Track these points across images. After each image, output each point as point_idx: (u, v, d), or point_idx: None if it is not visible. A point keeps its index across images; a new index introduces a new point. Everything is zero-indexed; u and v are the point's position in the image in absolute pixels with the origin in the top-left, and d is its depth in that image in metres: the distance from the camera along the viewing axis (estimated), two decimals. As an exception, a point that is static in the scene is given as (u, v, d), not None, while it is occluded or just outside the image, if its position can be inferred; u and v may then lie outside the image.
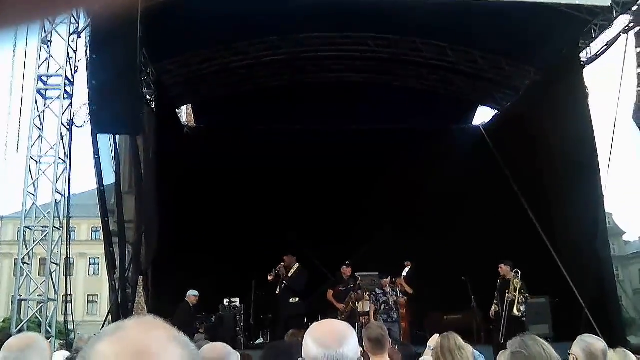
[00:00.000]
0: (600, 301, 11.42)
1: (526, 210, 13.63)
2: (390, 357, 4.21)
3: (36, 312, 11.48)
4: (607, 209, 14.76)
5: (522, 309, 10.97)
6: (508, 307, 10.82)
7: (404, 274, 12.67)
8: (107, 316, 12.87)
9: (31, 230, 11.76)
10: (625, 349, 4.90)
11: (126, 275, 11.67)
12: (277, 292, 12.48)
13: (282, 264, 12.47)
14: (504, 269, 11.26)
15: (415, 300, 12.80)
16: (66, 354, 5.45)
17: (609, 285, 11.69)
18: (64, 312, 12.69)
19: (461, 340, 4.69)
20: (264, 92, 15.83)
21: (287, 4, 11.42)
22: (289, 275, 12.46)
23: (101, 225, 11.52)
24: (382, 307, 12.10)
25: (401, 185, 15.89)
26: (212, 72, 14.97)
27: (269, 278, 12.46)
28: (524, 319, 10.99)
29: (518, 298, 10.92)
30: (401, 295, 12.41)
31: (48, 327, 11.16)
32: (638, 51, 10.58)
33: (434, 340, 5.05)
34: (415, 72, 15.78)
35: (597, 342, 3.80)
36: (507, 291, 10.96)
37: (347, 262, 12.75)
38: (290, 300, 12.48)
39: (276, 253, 12.90)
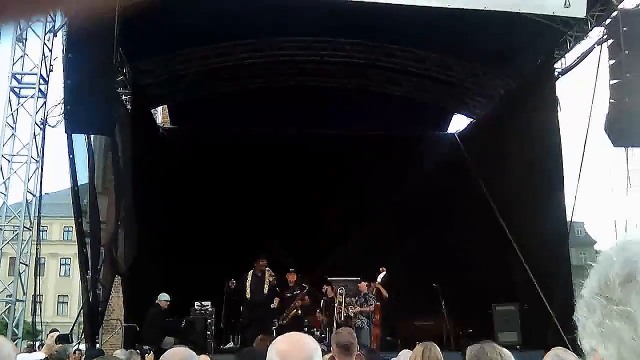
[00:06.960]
0: (568, 309, 11.52)
1: (497, 218, 13.73)
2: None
3: (3, 312, 11.34)
4: (579, 218, 14.95)
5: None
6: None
7: (379, 279, 12.71)
8: (77, 317, 12.72)
9: (1, 229, 11.62)
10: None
11: (98, 276, 11.55)
12: (263, 293, 12.42)
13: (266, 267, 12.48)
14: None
15: (387, 307, 12.84)
16: (40, 355, 5.35)
17: (569, 293, 11.83)
18: (32, 312, 12.53)
19: (439, 353, 4.68)
20: (240, 94, 15.75)
21: (266, 8, 11.43)
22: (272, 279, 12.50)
23: (74, 226, 11.41)
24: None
25: (375, 190, 15.96)
26: (189, 74, 14.87)
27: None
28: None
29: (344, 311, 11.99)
30: (375, 301, 12.42)
31: (15, 328, 11.03)
32: (611, 63, 10.69)
33: (406, 354, 5.05)
34: (391, 79, 15.82)
35: (570, 357, 3.76)
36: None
37: (290, 269, 12.85)
38: (272, 305, 12.56)
39: (249, 256, 12.88)
